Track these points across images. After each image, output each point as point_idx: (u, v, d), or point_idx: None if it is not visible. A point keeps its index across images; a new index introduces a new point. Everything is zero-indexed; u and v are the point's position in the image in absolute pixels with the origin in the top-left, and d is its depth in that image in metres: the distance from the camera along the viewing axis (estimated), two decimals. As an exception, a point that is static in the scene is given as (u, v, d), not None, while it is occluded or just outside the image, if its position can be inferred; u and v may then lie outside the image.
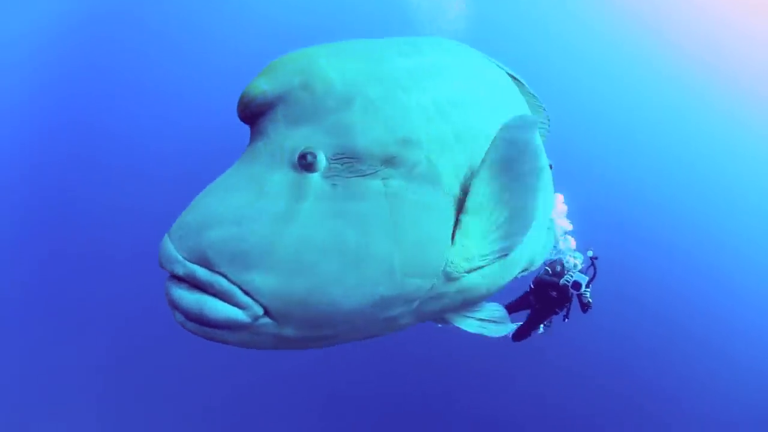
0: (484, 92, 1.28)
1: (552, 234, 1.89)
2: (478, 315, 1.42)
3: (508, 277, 1.41)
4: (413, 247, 1.07)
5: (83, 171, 8.33)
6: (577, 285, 3.92)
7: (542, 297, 4.10)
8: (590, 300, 3.95)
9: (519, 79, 1.53)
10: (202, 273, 0.96)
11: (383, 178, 1.06)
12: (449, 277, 1.15)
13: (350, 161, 1.04)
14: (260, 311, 0.98)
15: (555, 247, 3.91)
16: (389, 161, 1.07)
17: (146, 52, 9.52)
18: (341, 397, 6.82)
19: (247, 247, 0.96)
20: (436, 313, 1.27)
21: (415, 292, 1.10)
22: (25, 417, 6.55)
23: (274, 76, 1.05)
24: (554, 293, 4.03)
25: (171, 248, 0.98)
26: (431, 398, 6.88)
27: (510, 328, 1.47)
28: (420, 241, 1.08)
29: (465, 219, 1.14)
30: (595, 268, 4.03)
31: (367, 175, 1.05)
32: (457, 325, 1.39)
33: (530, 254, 1.58)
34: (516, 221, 1.17)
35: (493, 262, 1.19)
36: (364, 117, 1.06)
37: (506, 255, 1.19)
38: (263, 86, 1.05)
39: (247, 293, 0.97)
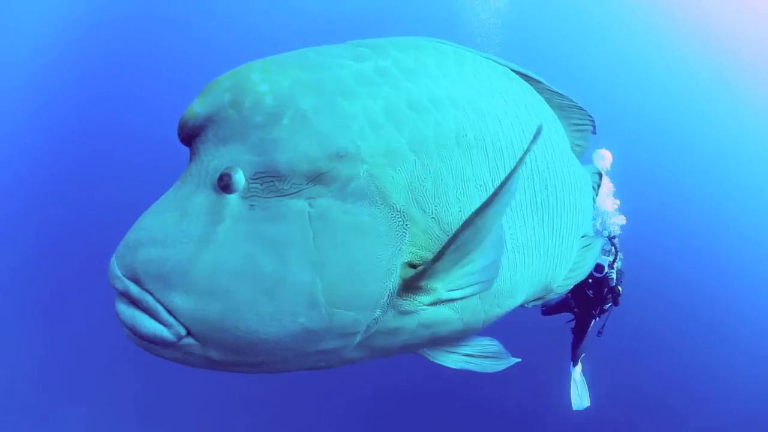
0: (466, 95, 1.19)
1: (593, 252, 1.72)
2: (464, 350, 1.33)
3: (498, 310, 1.28)
4: (342, 275, 0.97)
5: (112, 168, 8.43)
6: (600, 268, 3.76)
7: (580, 299, 3.99)
8: (619, 288, 3.84)
9: (537, 78, 1.46)
10: (134, 289, 0.96)
11: (308, 198, 0.97)
12: (401, 310, 1.05)
13: (271, 180, 0.96)
14: (183, 331, 0.96)
15: None
16: (317, 178, 0.97)
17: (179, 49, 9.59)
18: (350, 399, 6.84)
19: (168, 268, 0.94)
20: (399, 349, 1.17)
21: (351, 325, 1.00)
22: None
23: (207, 96, 1.00)
24: (590, 291, 3.91)
25: (114, 265, 0.98)
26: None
27: (510, 362, 1.37)
28: (351, 268, 0.97)
29: (422, 244, 1.06)
30: (616, 248, 3.88)
31: (289, 194, 0.97)
32: (436, 361, 1.29)
33: (542, 279, 1.43)
34: (488, 251, 1.06)
35: (470, 296, 1.10)
36: (291, 131, 0.97)
37: (486, 288, 1.11)
38: (196, 108, 1.00)
39: (170, 312, 0.95)
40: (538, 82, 1.46)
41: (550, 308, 4.19)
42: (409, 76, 1.12)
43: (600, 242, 1.81)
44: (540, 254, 1.36)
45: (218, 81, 1.00)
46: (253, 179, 0.96)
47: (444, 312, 1.11)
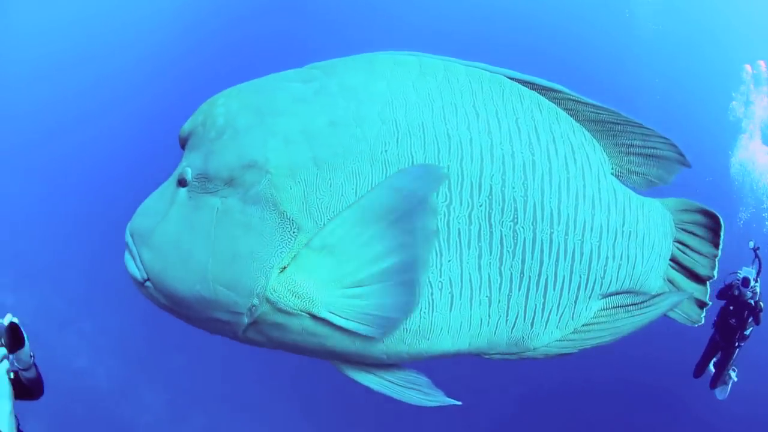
0: (407, 111, 1.21)
1: (641, 317, 1.47)
2: (383, 374, 1.32)
3: (403, 347, 1.25)
4: (226, 261, 1.16)
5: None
6: (746, 281, 3.70)
7: (725, 332, 3.95)
8: (761, 304, 3.75)
9: (553, 87, 1.35)
10: (129, 243, 1.27)
11: (222, 197, 1.18)
12: (278, 307, 1.16)
13: (204, 180, 1.20)
14: (145, 276, 1.24)
15: None
16: (231, 182, 1.17)
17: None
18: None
19: (143, 231, 1.25)
20: (295, 346, 1.26)
21: (233, 305, 1.17)
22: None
23: (193, 116, 1.27)
24: (733, 320, 3.86)
25: (126, 228, 1.31)
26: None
27: (445, 401, 1.32)
28: (233, 258, 1.15)
29: (303, 252, 1.15)
30: (759, 260, 3.80)
31: (211, 192, 1.19)
32: (348, 376, 1.32)
33: (498, 331, 1.31)
34: (393, 290, 1.13)
35: (359, 329, 1.16)
36: (225, 144, 1.18)
37: (380, 331, 1.16)
38: (184, 125, 1.28)
39: (141, 261, 1.24)
40: (556, 91, 1.34)
41: (699, 366, 4.08)
42: (345, 94, 1.20)
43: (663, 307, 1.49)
44: (489, 302, 1.27)
45: (202, 105, 1.27)
46: (195, 179, 1.21)
47: (330, 329, 1.18)
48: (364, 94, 1.20)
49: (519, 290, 1.29)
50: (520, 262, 1.27)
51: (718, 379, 4.30)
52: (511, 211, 1.24)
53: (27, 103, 9.17)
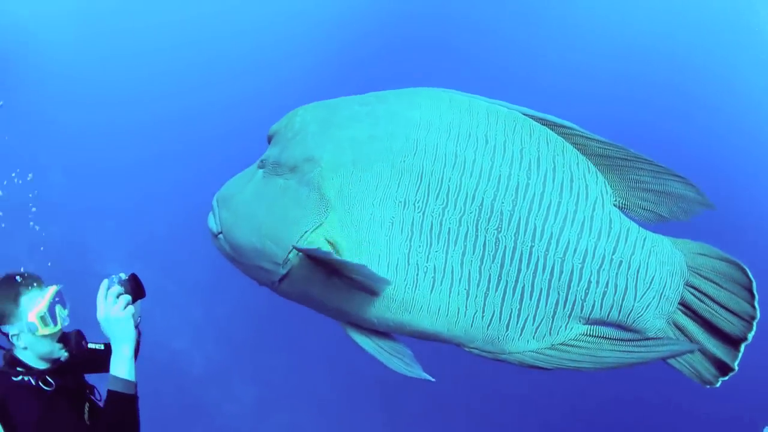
0: (427, 135, 1.51)
1: (606, 352, 1.52)
2: (377, 339, 1.60)
3: (389, 315, 1.52)
4: (276, 222, 1.55)
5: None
6: None
7: None
8: None
9: (564, 123, 1.54)
10: (214, 205, 1.72)
11: (285, 179, 1.59)
12: (305, 262, 1.54)
13: (276, 166, 1.61)
14: (220, 229, 1.68)
15: None
16: (293, 169, 1.58)
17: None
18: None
19: (226, 197, 1.70)
20: (319, 303, 1.61)
21: (274, 256, 1.56)
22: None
23: (279, 121, 1.68)
24: None
25: (215, 195, 1.75)
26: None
27: (417, 374, 1.55)
28: (282, 220, 1.55)
29: (328, 224, 1.53)
30: None
31: (279, 175, 1.60)
32: (350, 335, 1.62)
33: (474, 325, 1.52)
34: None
35: (357, 284, 1.49)
36: (296, 143, 1.59)
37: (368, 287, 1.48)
38: (273, 126, 1.70)
39: (219, 218, 1.68)
40: (567, 127, 1.54)
41: None
42: (387, 116, 1.54)
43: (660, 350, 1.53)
44: (466, 294, 1.49)
45: (288, 113, 1.67)
46: (270, 165, 1.63)
47: (338, 288, 1.52)
48: (400, 118, 1.53)
49: (495, 291, 1.49)
50: (498, 266, 1.48)
51: None
52: (496, 221, 1.47)
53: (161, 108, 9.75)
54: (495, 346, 1.53)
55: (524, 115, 1.53)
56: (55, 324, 1.82)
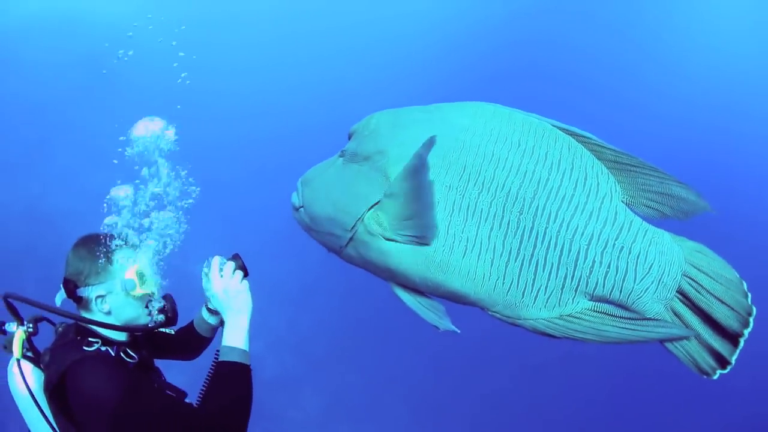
0: (472, 136, 1.80)
1: (597, 324, 1.74)
2: (418, 297, 1.86)
3: (429, 274, 1.78)
4: (348, 196, 1.84)
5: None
6: None
7: None
8: None
9: (584, 134, 1.80)
10: (298, 185, 2.01)
11: (360, 165, 1.88)
12: (368, 229, 1.81)
13: (354, 156, 1.91)
14: (301, 203, 1.96)
15: None
16: (366, 158, 1.87)
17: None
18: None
19: (309, 178, 1.99)
20: (375, 266, 1.86)
21: (344, 224, 1.84)
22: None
23: (359, 122, 1.97)
24: None
25: (300, 178, 2.04)
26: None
27: (447, 326, 1.81)
28: (354, 195, 1.84)
29: (383, 199, 1.80)
30: None
31: (355, 162, 1.90)
32: (396, 293, 1.87)
33: (496, 290, 1.75)
34: (416, 218, 1.73)
35: (405, 242, 1.77)
36: (371, 138, 1.89)
37: (419, 242, 1.75)
38: (353, 126, 1.99)
39: (301, 195, 1.97)
40: (586, 138, 1.80)
41: None
42: (442, 122, 1.84)
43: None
44: (491, 262, 1.74)
45: (366, 117, 1.96)
46: (349, 154, 1.92)
47: (393, 249, 1.79)
48: (451, 124, 1.82)
49: (515, 261, 1.73)
50: (518, 241, 1.73)
51: None
52: (519, 205, 1.73)
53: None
54: (512, 311, 1.76)
55: (552, 126, 1.80)
56: (151, 285, 1.80)
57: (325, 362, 7.74)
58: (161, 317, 1.84)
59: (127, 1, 9.22)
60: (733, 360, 1.71)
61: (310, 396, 7.46)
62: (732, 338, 1.71)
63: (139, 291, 1.75)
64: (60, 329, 1.76)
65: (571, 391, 7.10)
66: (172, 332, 2.13)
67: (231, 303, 1.77)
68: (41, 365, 1.68)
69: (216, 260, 1.84)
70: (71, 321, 1.73)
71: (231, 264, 1.83)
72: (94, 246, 1.76)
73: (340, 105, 9.68)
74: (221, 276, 1.81)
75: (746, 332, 1.70)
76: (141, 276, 1.77)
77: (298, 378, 7.59)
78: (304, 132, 9.99)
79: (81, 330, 1.71)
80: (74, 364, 1.57)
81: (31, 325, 1.74)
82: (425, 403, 7.20)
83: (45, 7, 10.94)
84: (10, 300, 1.73)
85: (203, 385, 1.65)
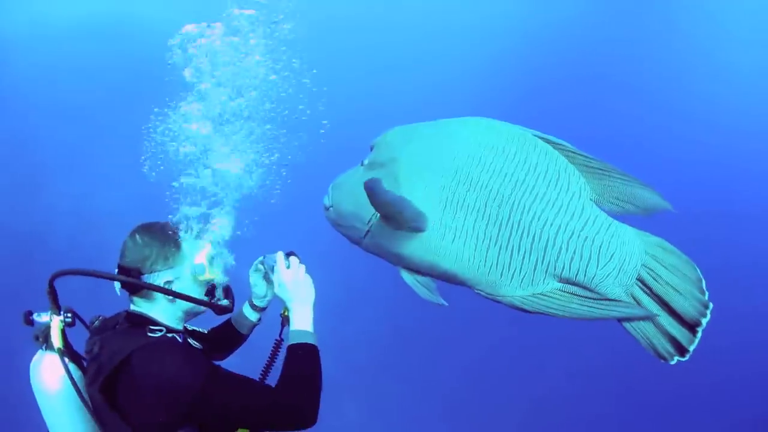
0: (466, 146, 2.06)
1: (566, 303, 2.02)
2: (416, 276, 2.14)
3: (426, 256, 2.05)
4: (363, 199, 1.99)
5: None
6: None
7: None
8: None
9: (559, 142, 2.06)
10: (330, 189, 2.28)
11: (377, 170, 2.13)
12: (380, 223, 2.08)
13: (373, 163, 2.18)
14: (331, 204, 2.23)
15: None
16: (382, 165, 2.14)
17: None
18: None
19: (339, 183, 2.27)
20: (387, 253, 2.13)
21: (363, 218, 2.12)
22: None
23: (379, 136, 2.24)
24: None
25: (331, 184, 2.32)
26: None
27: (437, 300, 2.09)
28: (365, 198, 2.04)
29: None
30: None
31: (374, 168, 2.16)
32: (401, 275, 2.15)
33: (481, 271, 2.03)
34: (403, 212, 1.99)
35: (406, 230, 2.03)
36: (386, 149, 2.18)
37: (415, 228, 2.01)
38: (374, 139, 2.25)
39: (331, 197, 2.24)
40: (562, 145, 2.06)
41: None
42: (445, 134, 2.12)
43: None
44: (474, 247, 2.02)
45: (386, 131, 2.23)
46: (369, 161, 2.20)
47: (400, 237, 2.05)
48: (453, 136, 2.10)
49: (494, 247, 2.00)
50: (497, 230, 1.99)
51: None
52: (499, 200, 2.00)
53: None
54: (493, 289, 2.04)
55: (534, 135, 2.05)
56: (218, 270, 1.86)
57: (366, 370, 7.81)
58: (226, 302, 1.91)
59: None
60: (691, 348, 1.93)
61: (349, 403, 7.50)
62: (690, 327, 1.94)
63: (207, 275, 1.78)
64: (97, 322, 1.78)
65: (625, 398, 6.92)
66: (205, 331, 2.17)
67: (299, 293, 1.89)
68: (85, 356, 1.68)
69: (281, 254, 1.97)
70: (106, 315, 1.78)
71: (296, 258, 1.98)
72: (159, 232, 1.77)
73: (369, 121, 9.82)
74: (288, 268, 1.92)
75: (704, 322, 1.92)
76: (211, 260, 1.81)
77: (339, 385, 7.63)
78: (338, 147, 10.12)
79: (136, 319, 1.71)
80: (141, 349, 1.57)
81: (69, 315, 1.72)
82: (464, 414, 7.18)
83: (94, 12, 11.32)
84: (56, 281, 1.73)
85: (281, 366, 1.77)
